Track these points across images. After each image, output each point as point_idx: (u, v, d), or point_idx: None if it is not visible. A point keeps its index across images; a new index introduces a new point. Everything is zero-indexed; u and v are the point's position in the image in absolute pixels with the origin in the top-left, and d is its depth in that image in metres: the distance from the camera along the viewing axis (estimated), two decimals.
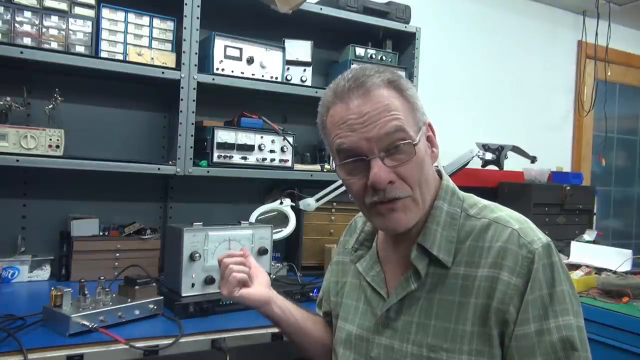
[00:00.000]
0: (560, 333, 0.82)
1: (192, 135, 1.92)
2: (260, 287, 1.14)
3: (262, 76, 2.08)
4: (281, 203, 2.03)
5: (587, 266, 2.10)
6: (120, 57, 1.86)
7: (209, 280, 1.62)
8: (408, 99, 0.89)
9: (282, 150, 2.10)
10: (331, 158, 2.04)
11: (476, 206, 0.95)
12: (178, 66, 1.91)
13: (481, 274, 0.87)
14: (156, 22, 1.93)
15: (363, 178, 0.87)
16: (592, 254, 2.26)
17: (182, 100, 1.90)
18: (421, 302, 0.91)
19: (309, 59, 2.24)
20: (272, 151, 2.08)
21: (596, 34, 3.47)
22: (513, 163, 2.86)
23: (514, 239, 0.86)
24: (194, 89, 1.92)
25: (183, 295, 1.58)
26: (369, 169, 0.86)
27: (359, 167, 0.88)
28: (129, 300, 1.45)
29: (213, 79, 1.96)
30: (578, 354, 0.82)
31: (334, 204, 2.18)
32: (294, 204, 2.03)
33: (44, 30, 1.75)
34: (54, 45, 1.76)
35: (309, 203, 1.98)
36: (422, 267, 0.91)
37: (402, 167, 0.86)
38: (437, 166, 1.01)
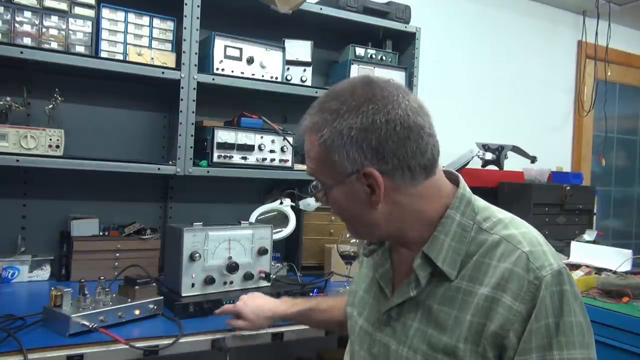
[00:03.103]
0: None
1: (192, 135, 1.92)
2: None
3: (262, 76, 2.08)
4: (281, 203, 2.04)
5: (587, 266, 2.10)
6: (120, 57, 1.86)
7: (209, 280, 1.62)
8: (323, 150, 0.86)
9: (282, 150, 2.10)
10: None
11: (490, 220, 0.90)
12: (178, 66, 1.91)
13: (482, 292, 0.84)
14: (156, 22, 1.93)
15: None
16: (592, 254, 2.25)
17: (182, 100, 1.90)
18: (420, 309, 0.90)
19: (309, 59, 2.24)
20: (272, 151, 2.08)
21: (596, 34, 3.47)
22: (513, 163, 2.86)
23: (521, 263, 0.82)
24: (194, 89, 1.92)
25: (183, 295, 1.58)
26: None
27: None
28: (129, 300, 1.45)
29: (213, 79, 1.96)
30: None
31: None
32: (294, 204, 2.03)
33: (44, 30, 1.75)
34: (54, 45, 1.76)
35: (309, 203, 1.98)
36: (424, 277, 0.89)
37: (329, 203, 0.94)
38: (453, 172, 0.98)
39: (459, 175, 0.97)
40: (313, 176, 0.93)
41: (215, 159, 1.96)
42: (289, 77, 2.18)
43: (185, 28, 1.90)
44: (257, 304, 1.40)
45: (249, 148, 2.03)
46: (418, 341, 0.88)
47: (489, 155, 2.60)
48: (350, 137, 0.83)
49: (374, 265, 1.03)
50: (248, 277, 1.72)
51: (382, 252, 1.02)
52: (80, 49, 1.80)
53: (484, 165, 2.67)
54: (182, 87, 1.90)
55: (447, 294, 0.88)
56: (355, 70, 2.28)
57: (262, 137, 2.06)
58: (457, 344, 0.84)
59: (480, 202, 0.95)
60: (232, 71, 2.02)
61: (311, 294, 1.77)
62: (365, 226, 0.92)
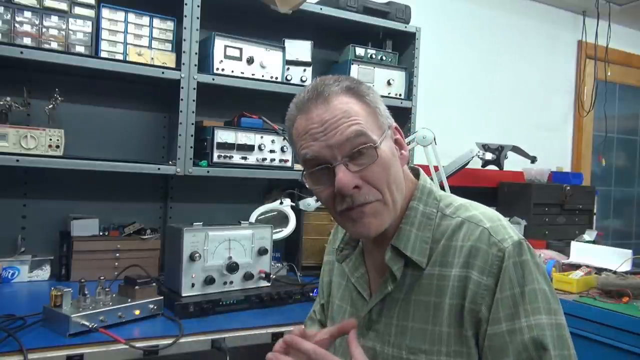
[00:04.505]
0: (531, 333, 0.81)
1: (192, 135, 1.92)
2: None
3: (262, 76, 2.08)
4: (281, 203, 2.04)
5: (587, 266, 2.10)
6: (120, 57, 1.86)
7: (209, 280, 1.62)
8: (368, 104, 0.89)
9: (282, 150, 2.10)
10: None
11: (452, 205, 0.95)
12: (178, 66, 1.91)
13: (454, 273, 0.87)
14: (156, 22, 1.93)
15: (330, 187, 0.86)
16: (592, 254, 2.25)
17: (182, 100, 1.90)
18: (399, 304, 0.91)
19: (309, 59, 2.24)
20: (272, 151, 2.08)
21: (596, 34, 3.47)
22: (513, 163, 2.86)
23: (484, 238, 0.86)
24: (194, 89, 1.92)
25: (183, 295, 1.58)
26: (334, 176, 0.85)
27: (325, 175, 0.87)
28: (129, 300, 1.45)
29: (213, 79, 1.96)
30: (549, 354, 0.81)
31: None
32: (294, 204, 2.03)
33: (44, 30, 1.75)
34: (54, 45, 1.76)
35: (309, 203, 1.98)
36: (397, 269, 0.90)
37: (367, 171, 0.85)
38: (416, 166, 1.01)
39: (419, 168, 1.00)
40: (359, 134, 0.85)
41: (215, 159, 1.96)
42: (289, 77, 2.18)
43: (185, 28, 1.90)
44: None
45: (249, 148, 2.03)
46: (401, 337, 0.89)
47: (489, 155, 2.60)
48: (379, 96, 0.93)
49: (349, 271, 1.01)
50: (248, 277, 1.72)
51: (355, 257, 1.02)
52: (80, 49, 1.80)
53: (484, 165, 2.67)
54: (182, 87, 1.90)
55: (422, 283, 0.89)
56: (355, 70, 2.28)
57: (262, 137, 2.06)
58: (441, 329, 0.85)
59: (440, 191, 0.99)
60: (232, 71, 2.01)
61: (311, 294, 1.77)
62: (398, 190, 0.89)
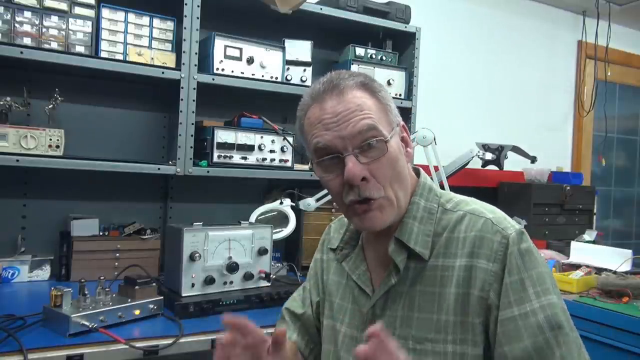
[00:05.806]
0: (545, 312, 0.83)
1: (192, 135, 1.92)
2: None
3: (262, 76, 2.08)
4: (281, 203, 2.04)
5: (587, 266, 2.10)
6: (120, 57, 1.86)
7: (209, 280, 1.62)
8: (380, 100, 0.93)
9: (282, 150, 2.10)
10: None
11: (452, 201, 0.98)
12: (178, 66, 1.91)
13: (459, 264, 0.89)
14: (156, 22, 1.93)
15: (339, 176, 0.90)
16: (592, 254, 2.26)
17: (182, 100, 1.90)
18: (404, 296, 0.93)
19: (309, 59, 2.24)
20: (272, 151, 2.08)
21: (596, 34, 3.47)
22: (513, 163, 2.86)
23: (487, 227, 0.90)
24: (194, 89, 1.92)
25: (183, 295, 1.58)
26: (344, 166, 0.88)
27: (334, 164, 0.90)
28: (129, 300, 1.45)
29: (213, 79, 1.96)
30: (566, 332, 0.83)
31: (334, 203, 2.18)
32: (294, 204, 2.03)
33: (44, 30, 1.75)
34: (54, 45, 1.76)
35: (309, 203, 1.98)
36: (400, 261, 0.92)
37: (375, 164, 0.88)
38: (416, 166, 1.04)
39: (420, 168, 1.04)
40: (371, 128, 0.88)
41: (215, 159, 1.96)
42: (289, 77, 2.18)
43: (185, 28, 1.90)
44: None
45: (249, 148, 2.03)
46: (406, 328, 0.91)
47: (489, 155, 2.60)
48: (390, 95, 0.97)
49: (350, 269, 1.02)
50: (248, 277, 1.72)
51: (355, 255, 1.03)
52: (80, 49, 1.80)
53: (484, 165, 2.67)
54: (182, 87, 1.90)
55: (425, 274, 0.92)
56: (355, 70, 2.28)
57: (262, 137, 2.06)
58: (447, 317, 0.88)
59: (440, 189, 1.02)
60: (232, 71, 2.01)
61: None
62: (402, 186, 0.93)
